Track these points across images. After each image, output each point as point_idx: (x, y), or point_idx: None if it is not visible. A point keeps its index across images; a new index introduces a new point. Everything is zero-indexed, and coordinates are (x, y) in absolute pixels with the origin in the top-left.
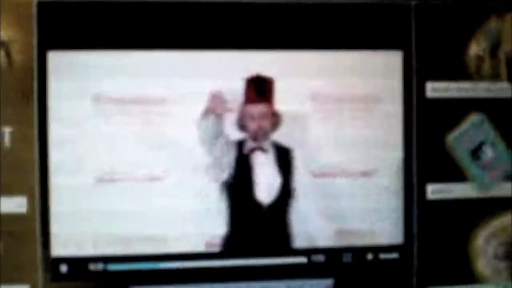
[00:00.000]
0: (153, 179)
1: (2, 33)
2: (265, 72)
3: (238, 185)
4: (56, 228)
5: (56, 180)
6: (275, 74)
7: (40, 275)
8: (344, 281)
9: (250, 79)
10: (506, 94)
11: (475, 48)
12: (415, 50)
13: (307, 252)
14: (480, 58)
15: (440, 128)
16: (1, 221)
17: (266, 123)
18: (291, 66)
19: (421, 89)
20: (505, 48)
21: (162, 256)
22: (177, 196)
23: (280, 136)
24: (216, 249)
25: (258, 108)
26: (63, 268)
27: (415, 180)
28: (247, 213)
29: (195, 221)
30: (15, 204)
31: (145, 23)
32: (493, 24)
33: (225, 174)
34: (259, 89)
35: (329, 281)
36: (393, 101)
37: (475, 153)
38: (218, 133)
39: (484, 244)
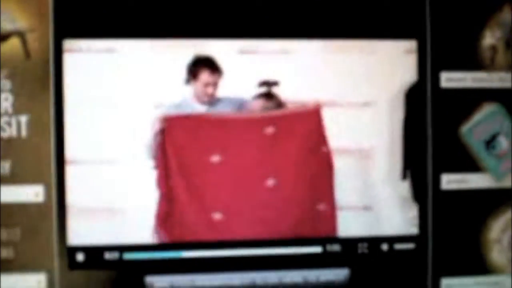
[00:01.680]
0: None
1: (19, 22)
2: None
3: None
4: (72, 217)
5: (73, 169)
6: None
7: (56, 263)
8: (360, 271)
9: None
10: None
11: (489, 38)
12: (430, 39)
13: (323, 241)
14: (494, 48)
15: (454, 118)
16: (18, 210)
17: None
18: (300, 58)
19: (436, 79)
20: None
21: (177, 245)
22: None
23: None
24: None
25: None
26: (80, 256)
27: (430, 170)
28: None
29: None
30: (32, 193)
31: (163, 11)
32: (507, 14)
33: None
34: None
35: (345, 271)
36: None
37: (490, 143)
38: None
39: (499, 235)
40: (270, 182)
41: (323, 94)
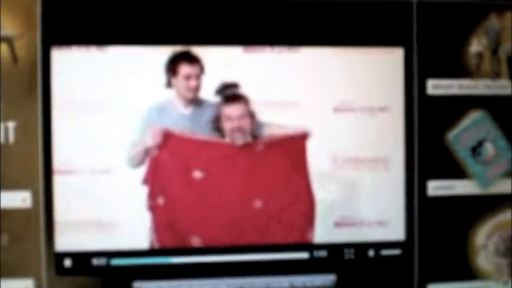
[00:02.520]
0: None
1: (7, 29)
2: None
3: None
4: (60, 222)
5: (60, 175)
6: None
7: (43, 269)
8: (347, 277)
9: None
10: (506, 91)
11: (476, 46)
12: (417, 47)
13: (309, 247)
14: (480, 56)
15: (441, 125)
16: (5, 215)
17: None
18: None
19: (422, 86)
20: (505, 46)
21: (165, 251)
22: None
23: None
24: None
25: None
26: (67, 262)
27: (416, 177)
28: None
29: None
30: (19, 199)
31: (150, 18)
32: (493, 21)
33: None
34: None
35: (331, 277)
36: (394, 99)
37: (476, 150)
38: None
39: (485, 241)
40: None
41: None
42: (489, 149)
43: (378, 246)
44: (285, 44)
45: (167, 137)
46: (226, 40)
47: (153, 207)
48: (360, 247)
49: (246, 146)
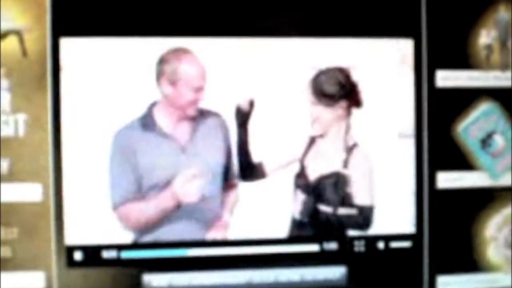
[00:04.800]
0: None
1: (16, 21)
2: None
3: None
4: (70, 215)
5: (70, 168)
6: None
7: (54, 262)
8: (357, 269)
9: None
10: None
11: (485, 37)
12: (426, 38)
13: (320, 240)
14: (490, 47)
15: (450, 117)
16: (16, 209)
17: None
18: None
19: (431, 78)
20: None
21: (174, 243)
22: None
23: None
24: None
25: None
26: (78, 255)
27: (425, 169)
28: None
29: None
30: (30, 193)
31: (161, 9)
32: (502, 13)
33: None
34: None
35: (342, 269)
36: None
37: (485, 142)
38: None
39: (495, 233)
40: None
41: None
42: (498, 141)
43: (388, 238)
44: (290, 34)
45: None
46: None
47: None
48: (370, 240)
49: None
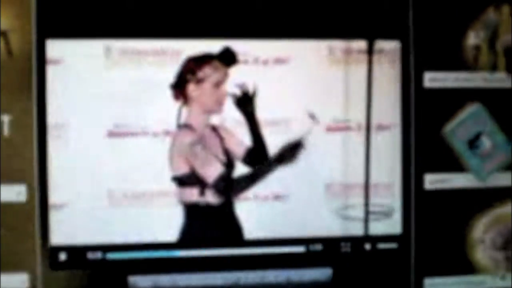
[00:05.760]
0: None
1: (1, 22)
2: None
3: None
4: (55, 216)
5: (55, 169)
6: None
7: (38, 263)
8: (343, 270)
9: None
10: (503, 84)
11: (473, 39)
12: (413, 40)
13: (305, 241)
14: (477, 49)
15: (437, 118)
16: (0, 209)
17: None
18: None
19: (419, 79)
20: (502, 39)
21: (160, 245)
22: None
23: None
24: None
25: None
26: (62, 256)
27: (413, 170)
28: None
29: None
30: (14, 193)
31: (147, 10)
32: (490, 14)
33: None
34: None
35: (328, 271)
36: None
37: (473, 143)
38: None
39: (482, 234)
40: None
41: None
42: (486, 142)
43: (375, 239)
44: (278, 36)
45: None
46: None
47: None
48: (357, 241)
49: None
